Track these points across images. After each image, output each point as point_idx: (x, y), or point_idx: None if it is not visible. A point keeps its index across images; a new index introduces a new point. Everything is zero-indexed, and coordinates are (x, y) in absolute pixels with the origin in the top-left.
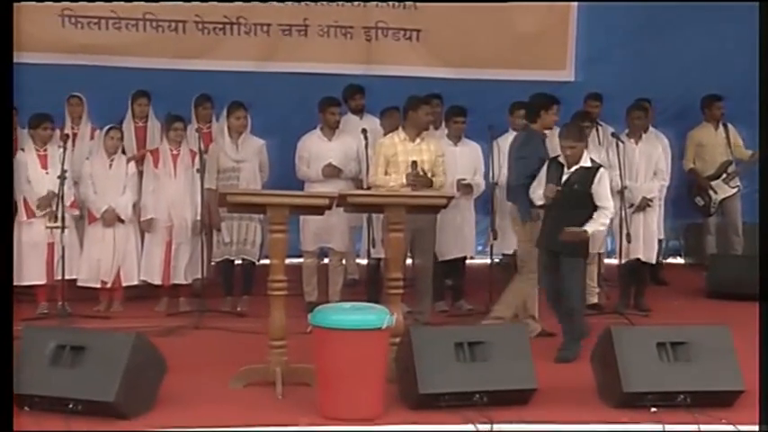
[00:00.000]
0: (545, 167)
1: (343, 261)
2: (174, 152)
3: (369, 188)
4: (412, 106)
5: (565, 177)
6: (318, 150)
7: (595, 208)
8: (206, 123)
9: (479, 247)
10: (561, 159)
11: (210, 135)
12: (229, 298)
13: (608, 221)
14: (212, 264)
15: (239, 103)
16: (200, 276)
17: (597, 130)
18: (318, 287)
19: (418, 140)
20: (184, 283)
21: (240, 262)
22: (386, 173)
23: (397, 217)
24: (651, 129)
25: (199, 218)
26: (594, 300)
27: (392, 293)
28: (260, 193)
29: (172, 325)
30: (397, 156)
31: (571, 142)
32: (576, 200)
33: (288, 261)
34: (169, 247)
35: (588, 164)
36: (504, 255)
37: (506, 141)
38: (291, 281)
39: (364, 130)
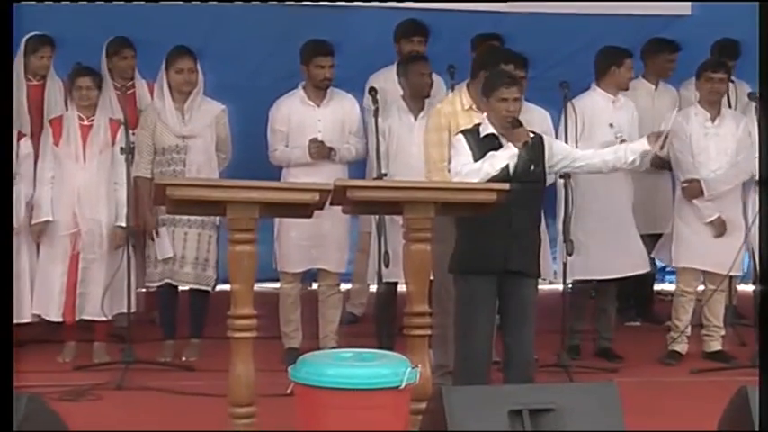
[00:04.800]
0: (461, 141)
1: (341, 287)
2: (86, 123)
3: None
4: (491, 61)
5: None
6: (302, 121)
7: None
8: (126, 81)
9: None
10: (492, 129)
11: (134, 98)
12: (170, 342)
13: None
14: (144, 291)
15: (185, 49)
16: (125, 310)
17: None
18: (304, 326)
19: None
20: (100, 319)
21: (186, 288)
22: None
23: (422, 221)
24: None
25: (122, 222)
26: (717, 346)
27: (415, 335)
28: (217, 185)
29: (82, 383)
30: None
31: (517, 91)
32: (534, 190)
33: (258, 287)
34: (75, 266)
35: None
36: (580, 281)
37: (590, 103)
38: (264, 316)
39: (373, 90)
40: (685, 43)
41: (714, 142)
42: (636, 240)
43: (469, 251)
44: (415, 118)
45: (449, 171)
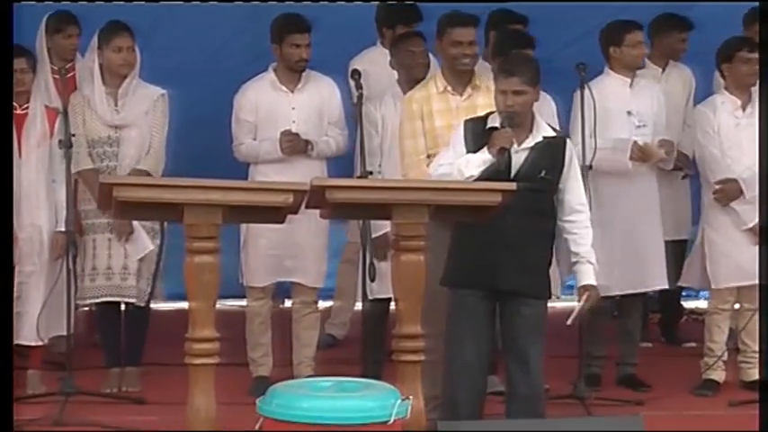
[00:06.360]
0: (459, 132)
1: (319, 304)
2: (19, 111)
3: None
4: (444, 27)
5: (519, 157)
6: (272, 109)
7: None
8: (66, 62)
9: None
10: (498, 123)
11: (74, 82)
12: (116, 371)
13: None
14: (86, 310)
15: (123, 25)
16: (64, 332)
17: None
18: (275, 351)
19: (469, 92)
20: (36, 344)
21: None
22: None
23: (413, 227)
24: None
25: (62, 227)
26: (755, 374)
27: (406, 361)
28: (173, 184)
29: (15, 419)
30: (433, 119)
31: (518, 83)
32: (538, 199)
33: (221, 305)
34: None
35: (550, 132)
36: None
37: (603, 89)
38: (228, 339)
39: (356, 73)
40: (705, 24)
41: (746, 133)
42: (659, 252)
43: (456, 261)
44: (459, 94)
45: (428, 165)
